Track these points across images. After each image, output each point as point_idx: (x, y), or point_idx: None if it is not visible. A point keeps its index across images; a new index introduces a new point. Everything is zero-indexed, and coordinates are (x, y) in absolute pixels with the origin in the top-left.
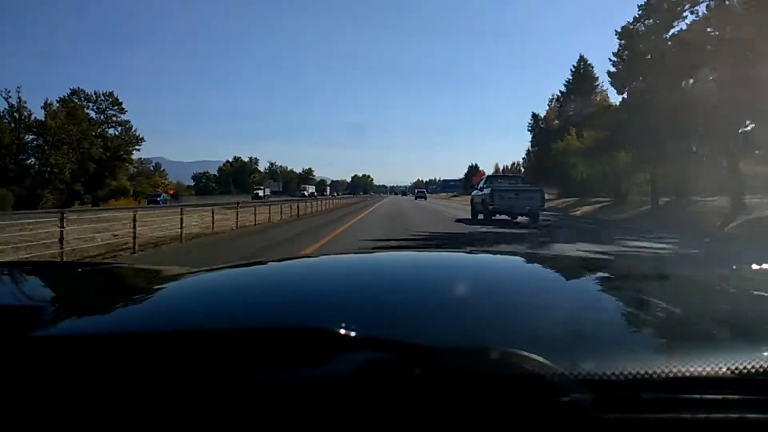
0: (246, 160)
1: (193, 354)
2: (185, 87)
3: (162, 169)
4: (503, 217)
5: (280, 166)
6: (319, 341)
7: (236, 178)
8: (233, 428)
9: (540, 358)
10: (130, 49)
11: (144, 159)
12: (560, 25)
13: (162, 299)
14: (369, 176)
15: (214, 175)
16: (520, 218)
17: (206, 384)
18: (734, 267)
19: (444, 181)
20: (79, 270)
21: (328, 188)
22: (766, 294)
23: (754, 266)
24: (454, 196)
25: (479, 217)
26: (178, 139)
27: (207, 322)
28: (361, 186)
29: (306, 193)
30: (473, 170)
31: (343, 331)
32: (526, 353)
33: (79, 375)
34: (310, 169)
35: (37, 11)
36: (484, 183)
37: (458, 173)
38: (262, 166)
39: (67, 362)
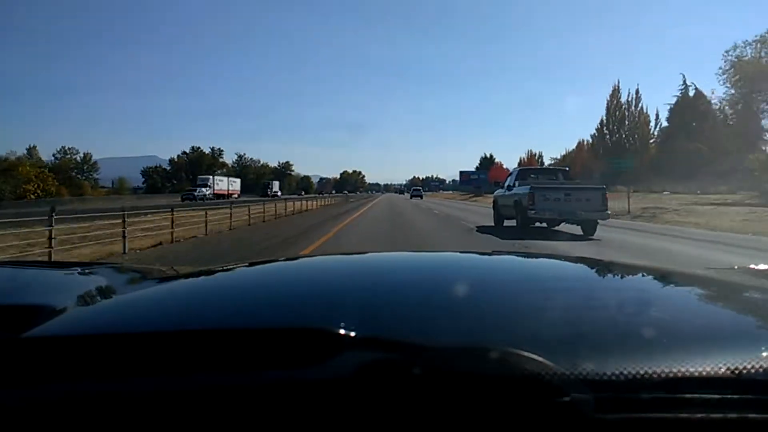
0: (207, 150)
1: (193, 354)
2: (181, 86)
3: (93, 162)
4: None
5: (251, 159)
6: (319, 341)
7: (193, 172)
8: (233, 428)
9: (540, 358)
10: (124, 47)
11: (78, 153)
12: (558, 25)
13: (162, 299)
14: (360, 173)
15: (165, 170)
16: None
17: (206, 384)
18: (735, 267)
19: (462, 173)
20: (79, 270)
21: (275, 184)
22: (765, 294)
23: (753, 266)
24: (475, 196)
25: (505, 224)
26: (172, 137)
27: (207, 322)
28: (351, 184)
29: (207, 193)
30: (487, 163)
31: (343, 331)
32: (526, 353)
33: (79, 375)
34: (287, 163)
35: (32, 10)
36: (516, 179)
37: (455, 171)
38: (229, 159)
39: (66, 362)
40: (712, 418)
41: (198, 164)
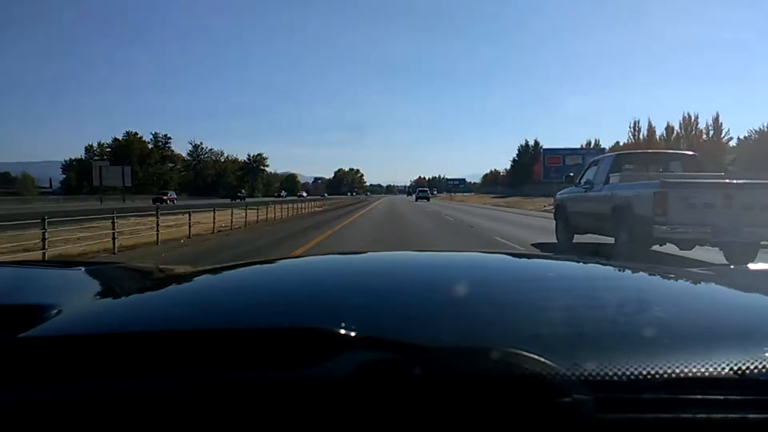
0: (148, 137)
1: (192, 354)
2: (174, 86)
3: None
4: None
5: (211, 150)
6: (319, 341)
7: (119, 164)
8: (234, 428)
9: (540, 358)
10: (119, 46)
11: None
12: (556, 26)
13: (161, 299)
14: (358, 171)
15: (89, 163)
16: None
17: (205, 384)
18: (732, 267)
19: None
20: (79, 270)
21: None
22: (765, 293)
23: (752, 266)
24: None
25: (574, 240)
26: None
27: (206, 322)
28: (346, 185)
29: None
30: (528, 153)
31: (342, 331)
32: (526, 353)
33: (78, 375)
34: (260, 156)
35: (32, 10)
36: (608, 170)
37: (463, 172)
38: (184, 149)
39: (65, 363)
40: (712, 418)
41: (125, 155)
